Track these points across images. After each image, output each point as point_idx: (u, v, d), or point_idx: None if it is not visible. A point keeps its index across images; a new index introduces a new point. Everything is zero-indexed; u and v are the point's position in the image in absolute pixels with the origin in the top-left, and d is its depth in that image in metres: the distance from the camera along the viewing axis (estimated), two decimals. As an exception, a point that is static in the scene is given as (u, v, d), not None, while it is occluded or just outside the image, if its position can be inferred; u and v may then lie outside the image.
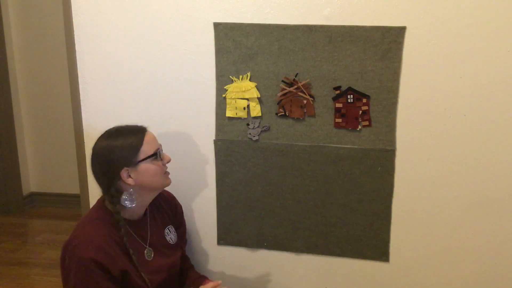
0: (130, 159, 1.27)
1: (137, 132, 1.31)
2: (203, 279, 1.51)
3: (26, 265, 2.52)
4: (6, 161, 3.15)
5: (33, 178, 3.39)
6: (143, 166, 1.29)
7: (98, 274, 1.20)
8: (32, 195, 3.38)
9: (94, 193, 1.76)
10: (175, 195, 1.57)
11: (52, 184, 3.35)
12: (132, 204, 1.30)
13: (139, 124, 1.35)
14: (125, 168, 1.27)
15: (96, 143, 1.31)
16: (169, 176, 1.38)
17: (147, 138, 1.30)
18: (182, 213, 1.58)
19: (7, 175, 3.18)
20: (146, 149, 1.29)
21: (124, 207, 1.30)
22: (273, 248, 1.66)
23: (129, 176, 1.28)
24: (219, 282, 1.37)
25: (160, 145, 1.36)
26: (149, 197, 1.37)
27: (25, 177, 3.32)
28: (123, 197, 1.29)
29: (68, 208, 3.21)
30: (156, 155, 1.31)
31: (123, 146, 1.27)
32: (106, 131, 1.33)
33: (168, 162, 1.36)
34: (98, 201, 1.37)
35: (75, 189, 3.26)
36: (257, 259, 1.68)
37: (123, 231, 1.28)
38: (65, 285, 1.26)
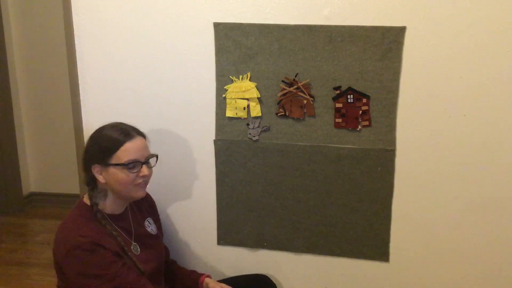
0: (102, 158, 1.28)
1: (122, 135, 1.29)
2: (197, 274, 1.54)
3: (26, 265, 2.52)
4: (6, 161, 3.15)
5: (33, 178, 3.38)
6: (112, 170, 1.28)
7: (100, 252, 1.22)
8: (32, 195, 3.38)
9: (94, 193, 1.76)
10: (175, 195, 1.58)
11: (52, 184, 3.34)
12: (105, 204, 1.33)
13: (143, 128, 1.36)
14: (97, 165, 1.28)
15: (96, 129, 1.34)
16: (144, 189, 1.35)
17: (127, 146, 1.27)
18: (156, 207, 1.59)
19: (7, 175, 3.18)
20: (120, 156, 1.27)
21: (102, 200, 1.32)
22: (273, 248, 1.66)
23: (100, 173, 1.29)
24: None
25: (150, 156, 1.34)
26: (122, 200, 1.36)
27: (25, 177, 3.32)
28: (96, 194, 1.31)
29: (68, 208, 3.19)
30: (127, 166, 1.27)
31: (101, 144, 1.29)
32: (111, 122, 1.35)
33: (144, 177, 1.31)
34: (77, 202, 1.37)
35: (75, 189, 3.27)
36: (257, 259, 1.68)
37: (105, 224, 1.29)
38: (76, 278, 1.23)
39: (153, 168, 1.38)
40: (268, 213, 1.62)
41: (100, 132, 1.32)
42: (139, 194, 1.34)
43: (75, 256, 1.21)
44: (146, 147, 1.34)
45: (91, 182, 1.32)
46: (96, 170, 1.29)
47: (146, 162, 1.33)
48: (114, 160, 1.27)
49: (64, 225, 1.29)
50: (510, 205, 1.46)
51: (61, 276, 1.29)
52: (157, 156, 1.38)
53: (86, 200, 1.34)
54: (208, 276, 1.54)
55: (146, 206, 1.53)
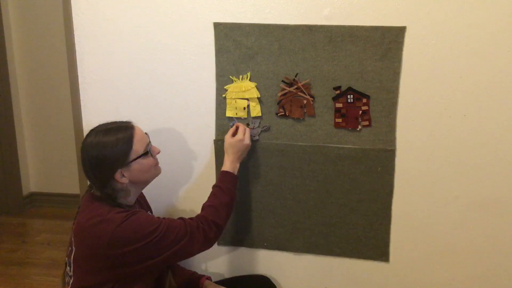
0: (122, 160, 1.27)
1: (125, 131, 1.29)
2: (197, 276, 1.56)
3: (26, 265, 2.52)
4: (6, 161, 3.15)
5: (33, 178, 3.38)
6: (136, 164, 1.29)
7: (140, 213, 1.26)
8: (32, 195, 3.38)
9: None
10: (174, 195, 1.58)
11: (52, 184, 3.34)
12: (127, 200, 1.33)
13: (125, 120, 1.34)
14: (119, 170, 1.27)
15: (85, 144, 1.28)
16: (159, 165, 1.40)
17: (136, 137, 1.29)
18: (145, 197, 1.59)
19: (7, 175, 3.18)
20: (137, 148, 1.28)
21: (120, 202, 1.31)
22: (273, 248, 1.66)
23: (123, 175, 1.28)
24: None
25: (147, 136, 1.36)
26: (140, 189, 1.40)
27: (25, 177, 3.32)
28: (119, 196, 1.30)
29: (68, 208, 3.20)
30: (147, 152, 1.31)
31: (113, 148, 1.26)
32: (93, 131, 1.30)
33: (157, 154, 1.38)
34: (87, 195, 1.34)
35: (75, 189, 3.27)
36: (257, 259, 1.68)
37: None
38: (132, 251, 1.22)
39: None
40: (268, 213, 1.62)
41: (101, 143, 1.26)
42: (159, 171, 1.40)
43: (124, 229, 1.20)
44: (142, 130, 1.36)
45: (112, 193, 1.29)
46: (118, 176, 1.27)
47: (149, 141, 1.36)
48: (133, 155, 1.28)
49: (89, 219, 1.24)
50: (510, 205, 1.46)
51: (84, 271, 1.26)
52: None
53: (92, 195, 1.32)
54: (208, 278, 1.55)
55: (144, 198, 1.55)
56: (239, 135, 1.47)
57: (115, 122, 1.33)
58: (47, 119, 3.27)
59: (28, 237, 2.92)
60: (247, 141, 1.47)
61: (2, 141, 3.12)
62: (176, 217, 1.34)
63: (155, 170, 1.37)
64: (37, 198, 3.38)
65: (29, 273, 2.44)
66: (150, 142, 1.35)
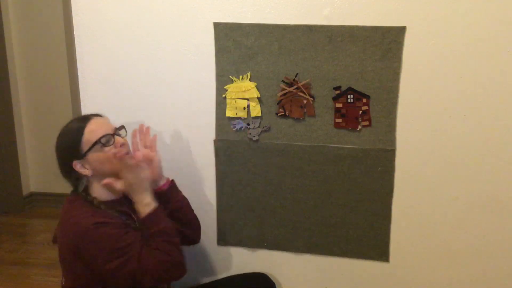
0: (76, 151, 1.26)
1: (79, 122, 1.28)
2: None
3: (26, 265, 2.52)
4: (6, 161, 3.15)
5: (33, 178, 3.38)
6: (91, 157, 1.26)
7: (105, 229, 1.20)
8: (32, 195, 3.38)
9: (94, 193, 1.76)
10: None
11: (52, 184, 3.34)
12: (101, 195, 1.30)
13: (93, 113, 1.34)
14: (75, 161, 1.27)
15: None
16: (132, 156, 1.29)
17: (90, 127, 1.26)
18: None
19: (7, 175, 3.18)
20: (88, 138, 1.25)
21: (97, 195, 1.30)
22: (273, 248, 1.66)
23: (84, 167, 1.27)
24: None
25: (116, 128, 1.31)
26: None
27: (25, 177, 3.32)
28: (89, 189, 1.30)
29: (68, 208, 3.20)
30: (100, 142, 1.26)
31: (66, 139, 1.28)
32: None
33: (121, 145, 1.29)
34: (67, 199, 1.36)
35: (75, 189, 3.27)
36: (257, 259, 1.68)
37: (105, 208, 1.28)
38: (80, 271, 1.23)
39: None
40: (268, 213, 1.62)
41: (60, 133, 1.31)
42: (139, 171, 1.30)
43: (89, 239, 1.19)
44: (108, 122, 1.32)
45: (77, 182, 1.31)
46: (78, 167, 1.27)
47: (116, 134, 1.31)
48: (85, 146, 1.25)
49: (65, 220, 1.28)
50: (510, 205, 1.46)
51: (70, 272, 1.27)
52: (124, 127, 1.34)
53: (75, 196, 1.32)
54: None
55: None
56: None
57: (80, 116, 1.34)
58: (47, 119, 3.26)
59: (28, 237, 2.91)
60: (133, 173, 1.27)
61: (2, 141, 3.12)
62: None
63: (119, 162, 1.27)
64: (37, 198, 3.38)
65: (29, 273, 2.44)
66: (114, 133, 1.29)
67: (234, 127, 1.56)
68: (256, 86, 1.52)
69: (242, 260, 1.69)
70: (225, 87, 1.54)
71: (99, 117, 1.33)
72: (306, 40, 1.45)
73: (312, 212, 1.59)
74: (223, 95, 1.54)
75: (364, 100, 1.46)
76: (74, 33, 1.61)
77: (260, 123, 1.55)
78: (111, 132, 1.30)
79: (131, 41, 1.57)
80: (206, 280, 1.72)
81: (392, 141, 1.48)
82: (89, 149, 1.26)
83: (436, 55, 1.39)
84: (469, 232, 1.51)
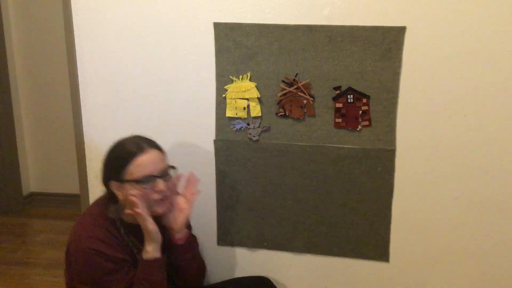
0: (117, 174, 1.25)
1: (134, 149, 1.24)
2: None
3: (26, 265, 2.52)
4: (6, 161, 3.15)
5: (33, 178, 3.38)
6: (127, 186, 1.23)
7: (99, 260, 1.22)
8: (32, 195, 3.38)
9: (94, 193, 1.76)
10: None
11: (52, 184, 3.34)
12: (124, 214, 1.30)
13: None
14: (114, 182, 1.26)
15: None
16: (165, 205, 1.29)
17: (139, 160, 1.23)
18: None
19: (7, 175, 3.18)
20: (132, 171, 1.22)
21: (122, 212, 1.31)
22: (273, 248, 1.66)
23: (118, 190, 1.26)
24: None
25: (166, 170, 1.28)
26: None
27: (25, 177, 3.32)
28: (118, 204, 1.30)
29: (68, 208, 3.20)
30: (142, 182, 1.22)
31: (115, 159, 1.26)
32: (129, 135, 1.32)
33: (161, 191, 1.25)
34: (99, 199, 1.37)
35: (75, 189, 3.25)
36: (257, 259, 1.68)
37: (122, 231, 1.29)
38: (69, 275, 1.28)
39: None
40: (268, 213, 1.62)
41: (114, 145, 1.29)
42: (157, 210, 1.28)
43: (76, 252, 1.23)
44: (161, 160, 1.28)
45: (112, 197, 1.29)
46: (114, 187, 1.26)
47: (163, 176, 1.27)
48: (127, 175, 1.23)
49: (82, 221, 1.30)
50: (510, 205, 1.46)
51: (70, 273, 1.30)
52: (175, 168, 1.32)
53: (103, 206, 1.32)
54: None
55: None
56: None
57: (146, 139, 1.29)
58: (47, 119, 3.27)
59: (28, 237, 2.91)
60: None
61: (2, 141, 3.12)
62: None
63: (152, 206, 1.26)
64: (37, 198, 3.38)
65: (29, 273, 2.43)
66: (161, 176, 1.25)
67: (234, 127, 1.56)
68: (256, 86, 1.52)
69: (242, 260, 1.69)
70: (225, 87, 1.54)
71: (155, 151, 1.27)
72: (306, 40, 1.45)
73: (312, 212, 1.59)
74: (223, 95, 1.54)
75: (364, 100, 1.46)
76: (74, 33, 1.61)
77: (260, 123, 1.55)
78: (156, 173, 1.25)
79: (131, 41, 1.57)
80: (206, 280, 1.72)
81: (392, 141, 1.48)
82: (128, 181, 1.23)
83: (436, 55, 1.39)
84: (469, 232, 1.51)
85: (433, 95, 1.42)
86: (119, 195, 1.26)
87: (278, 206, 1.61)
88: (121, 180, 1.24)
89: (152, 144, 1.29)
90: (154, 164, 1.25)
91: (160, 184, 1.25)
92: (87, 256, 1.21)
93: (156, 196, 1.26)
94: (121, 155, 1.25)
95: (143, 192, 1.23)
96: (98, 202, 1.36)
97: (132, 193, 1.22)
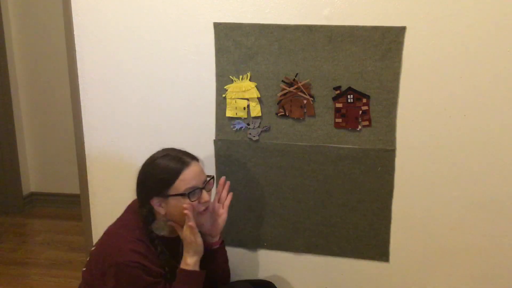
0: (161, 190, 1.25)
1: (179, 164, 1.25)
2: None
3: (26, 265, 2.52)
4: (6, 161, 3.15)
5: (33, 178, 3.38)
6: (173, 201, 1.25)
7: (141, 273, 1.20)
8: (32, 195, 3.37)
9: (94, 193, 1.76)
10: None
11: (52, 184, 3.34)
12: (170, 230, 1.31)
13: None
14: (156, 198, 1.25)
15: (146, 160, 1.30)
16: (208, 216, 1.33)
17: (185, 174, 1.24)
18: None
19: (7, 175, 3.17)
20: (179, 186, 1.24)
21: (159, 228, 1.30)
22: (273, 248, 1.66)
23: (160, 206, 1.26)
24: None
25: (206, 181, 1.30)
26: (178, 228, 1.32)
27: (25, 177, 3.31)
28: (155, 222, 1.30)
29: (68, 208, 3.20)
30: (188, 195, 1.24)
31: (157, 176, 1.25)
32: (161, 150, 1.31)
33: (206, 202, 1.29)
34: (131, 211, 1.34)
35: (75, 189, 3.24)
36: (257, 259, 1.68)
37: (159, 249, 1.28)
38: (98, 284, 1.25)
39: None
40: (268, 213, 1.62)
41: (153, 164, 1.28)
42: (201, 221, 1.31)
43: (122, 272, 1.20)
44: (202, 171, 1.30)
45: (150, 215, 1.29)
46: (155, 203, 1.26)
47: (205, 186, 1.29)
48: (173, 191, 1.24)
49: (112, 234, 1.28)
50: (510, 205, 1.46)
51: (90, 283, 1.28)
52: (214, 178, 1.34)
53: (140, 220, 1.30)
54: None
55: None
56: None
57: (182, 151, 1.30)
58: (47, 119, 3.26)
59: (28, 237, 2.91)
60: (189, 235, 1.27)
61: (2, 141, 3.12)
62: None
63: (198, 218, 1.28)
64: (37, 198, 3.38)
65: (29, 273, 2.43)
66: (202, 187, 1.28)
67: (234, 127, 1.56)
68: (256, 86, 1.52)
69: (242, 260, 1.69)
70: (225, 87, 1.54)
71: (197, 163, 1.29)
72: (306, 40, 1.45)
73: (312, 212, 1.59)
74: (223, 95, 1.54)
75: (364, 100, 1.46)
76: (74, 33, 1.62)
77: (260, 123, 1.55)
78: (201, 185, 1.28)
79: (131, 41, 1.57)
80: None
81: (392, 141, 1.48)
82: (174, 195, 1.24)
83: (436, 55, 1.39)
84: (469, 232, 1.51)
85: (433, 95, 1.42)
86: (161, 210, 1.26)
87: (278, 206, 1.61)
88: (166, 196, 1.25)
89: (193, 156, 1.30)
90: (198, 176, 1.27)
91: (205, 196, 1.29)
92: (130, 270, 1.19)
93: (201, 208, 1.29)
94: (166, 173, 1.25)
95: (191, 205, 1.24)
96: (131, 214, 1.33)
97: (185, 206, 1.23)
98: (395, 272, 1.59)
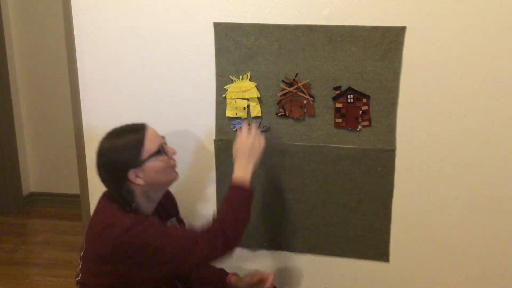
0: (135, 160, 1.25)
1: (137, 131, 1.28)
2: (224, 273, 1.53)
3: (26, 265, 2.52)
4: (6, 161, 3.15)
5: (33, 178, 3.38)
6: (149, 164, 1.26)
7: (146, 223, 1.22)
8: (32, 195, 3.38)
9: (94, 193, 1.76)
10: (175, 195, 1.57)
11: (52, 184, 3.34)
12: (143, 207, 1.30)
13: (139, 122, 1.34)
14: (132, 170, 1.25)
15: (98, 147, 1.28)
16: (176, 169, 1.36)
17: (148, 136, 1.27)
18: (176, 200, 1.57)
19: (7, 175, 3.18)
20: (149, 147, 1.26)
21: (138, 206, 1.29)
22: (273, 248, 1.66)
23: (137, 176, 1.26)
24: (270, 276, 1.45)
25: (163, 137, 1.34)
26: (159, 194, 1.36)
27: (25, 177, 3.32)
28: (137, 201, 1.29)
29: (68, 208, 3.20)
30: (160, 151, 1.28)
31: (125, 148, 1.26)
32: (107, 133, 1.31)
33: (173, 154, 1.34)
34: (104, 195, 1.34)
35: (75, 189, 3.25)
36: (257, 259, 1.68)
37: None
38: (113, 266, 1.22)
39: None
40: (268, 213, 1.62)
41: (113, 143, 1.27)
42: (175, 175, 1.36)
43: (130, 236, 1.18)
44: (156, 131, 1.34)
45: (129, 195, 1.28)
46: (132, 176, 1.25)
47: (165, 142, 1.35)
48: (145, 154, 1.25)
49: (107, 217, 1.25)
50: (510, 205, 1.46)
51: (95, 270, 1.25)
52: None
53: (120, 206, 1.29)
54: (235, 274, 1.53)
55: (170, 206, 1.52)
56: (241, 136, 1.40)
57: (128, 125, 1.32)
58: (47, 119, 3.27)
59: (28, 237, 2.92)
60: (251, 139, 1.37)
61: (2, 141, 3.12)
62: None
63: (171, 172, 1.33)
64: (37, 198, 3.38)
65: (29, 273, 2.44)
66: (165, 142, 1.33)
67: (234, 127, 1.56)
68: (256, 86, 1.52)
69: (242, 260, 1.69)
70: (225, 87, 1.54)
71: (149, 126, 1.31)
72: (306, 40, 1.45)
73: (312, 212, 1.59)
74: (223, 95, 1.54)
75: (364, 100, 1.46)
76: (74, 33, 1.61)
77: (260, 123, 1.55)
78: (164, 141, 1.33)
79: (131, 41, 1.57)
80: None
81: (392, 141, 1.48)
82: (148, 158, 1.26)
83: (436, 55, 1.39)
84: (469, 232, 1.51)
85: (433, 95, 1.42)
86: (139, 181, 1.26)
87: (278, 206, 1.61)
88: (141, 163, 1.25)
89: (143, 124, 1.33)
90: (157, 136, 1.32)
91: (170, 148, 1.34)
92: (136, 228, 1.18)
93: (172, 162, 1.33)
94: (132, 142, 1.26)
95: (165, 160, 1.29)
96: (109, 203, 1.31)
97: (162, 163, 1.29)
98: (395, 272, 1.59)
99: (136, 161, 1.25)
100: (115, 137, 1.29)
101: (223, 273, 1.55)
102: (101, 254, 1.21)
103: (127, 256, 1.19)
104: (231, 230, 1.26)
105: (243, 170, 1.36)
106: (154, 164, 1.27)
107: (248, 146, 1.37)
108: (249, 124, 1.53)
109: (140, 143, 1.26)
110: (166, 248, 1.20)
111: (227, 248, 1.27)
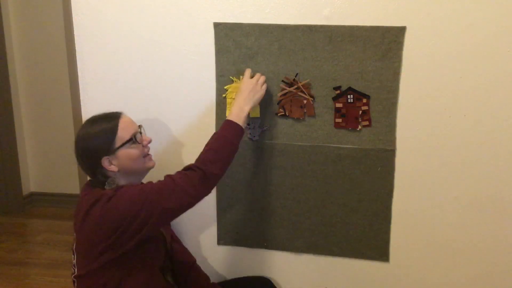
0: (107, 147, 1.29)
1: (111, 119, 1.32)
2: (215, 286, 1.57)
3: (26, 265, 2.53)
4: (6, 161, 3.15)
5: (33, 178, 3.39)
6: (122, 152, 1.30)
7: (135, 186, 1.27)
8: (32, 195, 3.38)
9: (94, 193, 1.76)
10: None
11: (52, 184, 3.35)
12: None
13: (144, 128, 1.39)
14: (105, 157, 1.29)
15: (76, 136, 1.33)
16: (152, 158, 1.40)
17: (121, 124, 1.31)
18: None
19: (7, 175, 3.18)
20: (121, 135, 1.30)
21: None
22: (273, 248, 1.66)
23: (111, 163, 1.30)
24: None
25: (140, 126, 1.37)
26: (136, 181, 1.39)
27: (25, 177, 3.32)
28: (108, 183, 1.31)
29: (68, 208, 3.21)
30: (133, 140, 1.32)
31: (98, 135, 1.30)
32: (84, 122, 1.37)
33: (148, 143, 1.37)
34: (85, 184, 1.36)
35: (75, 189, 3.27)
36: (257, 259, 1.68)
37: None
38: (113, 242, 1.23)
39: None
40: (268, 213, 1.62)
41: (88, 131, 1.32)
42: (151, 163, 1.39)
43: (114, 202, 1.21)
44: (133, 120, 1.37)
45: (103, 180, 1.32)
46: (106, 163, 1.29)
47: (140, 131, 1.37)
48: (118, 142, 1.29)
49: (88, 200, 1.27)
50: (510, 205, 1.46)
51: (90, 256, 1.26)
52: (141, 125, 1.40)
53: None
54: None
55: None
56: (244, 79, 1.44)
57: (104, 113, 1.36)
58: (47, 118, 3.27)
59: (28, 237, 2.92)
60: (254, 83, 1.41)
61: (2, 141, 3.13)
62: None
63: (146, 160, 1.37)
64: (37, 198, 3.38)
65: (29, 273, 2.44)
66: (140, 131, 1.36)
67: None
68: (256, 86, 1.51)
69: (242, 260, 1.69)
70: (225, 87, 1.54)
71: (124, 115, 1.36)
72: (306, 40, 1.45)
73: (312, 212, 1.59)
74: (223, 95, 1.54)
75: (364, 100, 1.46)
76: (74, 33, 1.61)
77: (260, 123, 1.55)
78: (138, 130, 1.36)
79: (131, 41, 1.57)
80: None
81: (392, 141, 1.48)
82: (121, 146, 1.30)
83: (436, 55, 1.39)
84: (469, 232, 1.51)
85: (433, 95, 1.42)
86: (113, 168, 1.30)
87: (278, 206, 1.61)
88: (114, 151, 1.29)
89: (118, 112, 1.37)
90: (132, 123, 1.35)
91: (145, 137, 1.38)
92: (116, 193, 1.22)
93: (146, 150, 1.37)
94: (106, 131, 1.30)
95: (138, 148, 1.33)
96: (91, 190, 1.33)
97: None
98: (395, 272, 1.59)
99: (109, 149, 1.29)
100: (89, 125, 1.33)
101: (215, 286, 1.58)
102: (92, 231, 1.23)
103: (116, 225, 1.20)
104: (211, 164, 1.29)
105: (239, 109, 1.39)
106: (127, 152, 1.31)
107: (249, 89, 1.41)
108: (249, 124, 1.53)
109: (113, 131, 1.30)
110: (149, 196, 1.22)
111: (206, 182, 1.29)
